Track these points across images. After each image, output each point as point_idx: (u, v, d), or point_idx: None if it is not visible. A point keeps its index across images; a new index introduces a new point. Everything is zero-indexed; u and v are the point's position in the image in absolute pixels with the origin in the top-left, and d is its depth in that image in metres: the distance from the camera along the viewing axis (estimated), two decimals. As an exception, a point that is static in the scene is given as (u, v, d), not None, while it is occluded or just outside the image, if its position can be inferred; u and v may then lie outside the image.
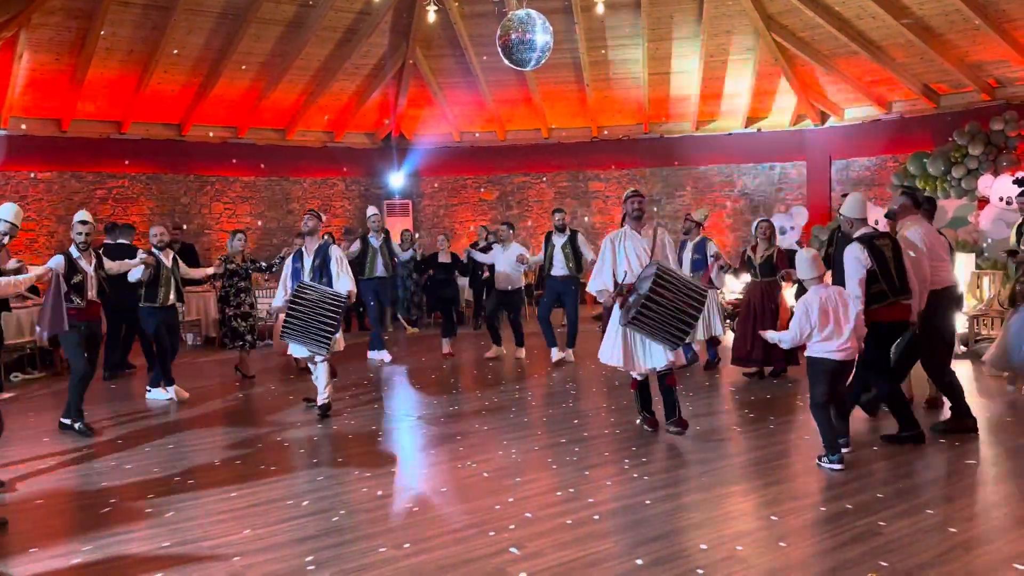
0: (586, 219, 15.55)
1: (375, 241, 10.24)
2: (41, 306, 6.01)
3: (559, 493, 4.81)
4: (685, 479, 5.07)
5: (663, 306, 5.59)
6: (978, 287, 11.78)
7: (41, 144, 12.43)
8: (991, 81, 12.49)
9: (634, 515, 4.43)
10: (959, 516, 4.29)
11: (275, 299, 7.57)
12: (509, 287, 9.74)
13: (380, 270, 10.24)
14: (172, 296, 7.98)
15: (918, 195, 6.50)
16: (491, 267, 10.43)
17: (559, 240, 9.49)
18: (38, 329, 5.94)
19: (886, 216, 6.45)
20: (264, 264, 9.26)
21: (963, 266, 11.84)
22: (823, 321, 5.10)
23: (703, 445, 5.85)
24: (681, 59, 13.74)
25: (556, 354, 9.42)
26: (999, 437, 5.88)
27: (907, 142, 13.51)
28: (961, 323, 10.03)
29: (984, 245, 12.04)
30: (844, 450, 5.32)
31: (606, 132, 15.56)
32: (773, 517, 4.32)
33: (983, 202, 12.29)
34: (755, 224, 8.43)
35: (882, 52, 12.50)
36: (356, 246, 10.22)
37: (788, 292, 8.76)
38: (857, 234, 5.63)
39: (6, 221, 6.09)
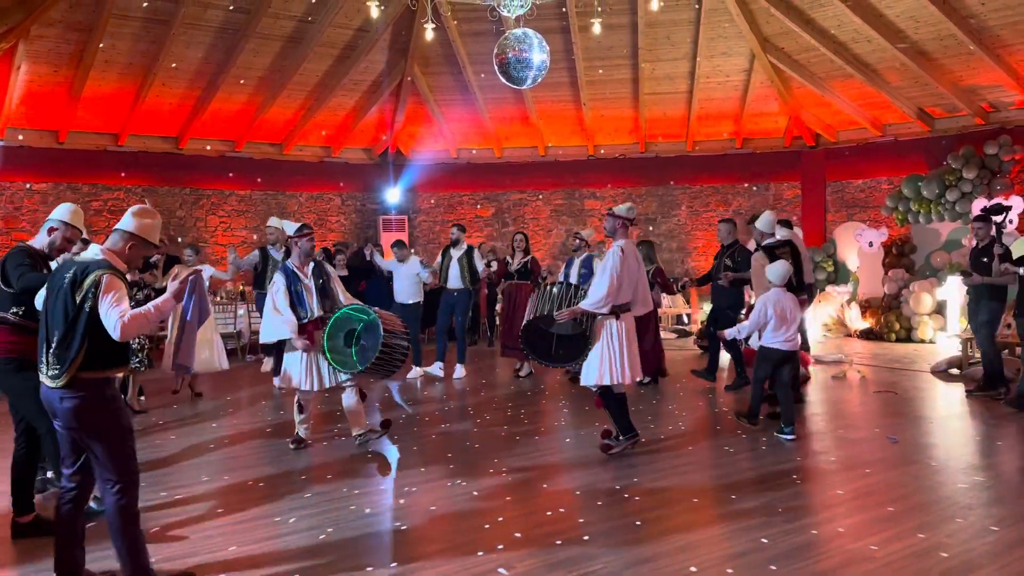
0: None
1: (275, 254, 9.78)
2: (178, 332, 4.46)
3: (549, 513, 4.78)
4: (676, 500, 5.04)
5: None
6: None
7: (38, 155, 12.43)
8: (985, 105, 12.57)
9: (624, 536, 4.40)
10: (951, 540, 4.26)
11: (279, 331, 6.34)
12: (409, 301, 9.81)
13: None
14: None
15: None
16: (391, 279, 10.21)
17: (456, 253, 9.74)
18: (173, 364, 4.66)
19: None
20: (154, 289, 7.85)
21: (956, 289, 11.89)
22: (777, 317, 6.44)
23: (694, 466, 5.83)
24: (677, 79, 13.82)
25: (437, 369, 9.79)
26: (990, 461, 5.87)
27: (902, 165, 13.59)
28: (955, 346, 10.06)
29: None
30: (789, 438, 6.40)
31: (602, 151, 15.62)
32: (764, 540, 4.29)
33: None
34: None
35: (877, 75, 12.59)
36: (255, 256, 10.00)
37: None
38: (764, 243, 7.40)
39: (60, 221, 4.65)
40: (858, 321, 12.92)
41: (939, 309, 12.02)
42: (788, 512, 4.78)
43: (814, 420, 7.38)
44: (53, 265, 4.73)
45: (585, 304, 5.95)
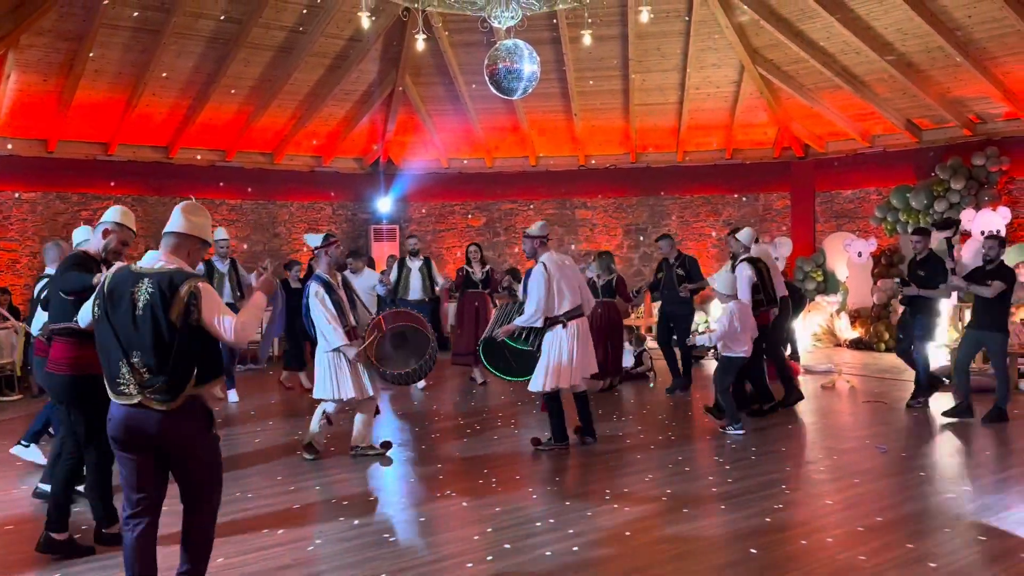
0: (573, 247, 15.58)
1: (221, 266, 9.53)
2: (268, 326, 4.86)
3: (539, 524, 4.77)
4: (666, 510, 5.04)
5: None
6: (960, 320, 11.86)
7: (27, 164, 12.37)
8: (972, 117, 12.67)
9: (615, 547, 4.39)
10: (939, 550, 4.27)
11: (338, 338, 6.10)
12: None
13: (227, 295, 9.30)
14: None
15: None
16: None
17: (415, 264, 9.74)
18: (262, 348, 4.86)
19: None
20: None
21: (945, 299, 11.93)
22: (743, 328, 6.99)
23: (684, 476, 5.83)
24: (667, 90, 13.88)
25: None
26: (978, 471, 5.89)
27: (890, 175, 13.67)
28: (943, 356, 10.10)
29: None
30: (739, 432, 6.94)
31: (593, 161, 15.66)
32: (753, 550, 4.30)
33: (965, 236, 12.41)
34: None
35: (865, 87, 12.67)
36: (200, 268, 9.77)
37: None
38: (742, 257, 7.78)
39: (114, 223, 4.54)
40: (847, 331, 12.96)
41: (928, 319, 12.07)
42: (778, 522, 4.79)
43: (803, 430, 7.40)
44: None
45: (519, 321, 6.33)
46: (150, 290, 3.26)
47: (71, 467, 4.52)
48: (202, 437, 3.41)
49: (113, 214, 4.55)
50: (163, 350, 3.25)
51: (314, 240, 6.42)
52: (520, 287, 9.36)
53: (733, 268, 7.82)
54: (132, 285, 3.30)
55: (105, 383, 3.38)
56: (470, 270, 10.00)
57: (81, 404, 4.36)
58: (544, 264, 6.36)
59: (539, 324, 6.30)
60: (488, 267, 10.13)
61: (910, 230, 12.66)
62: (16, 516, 5.05)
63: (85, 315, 3.71)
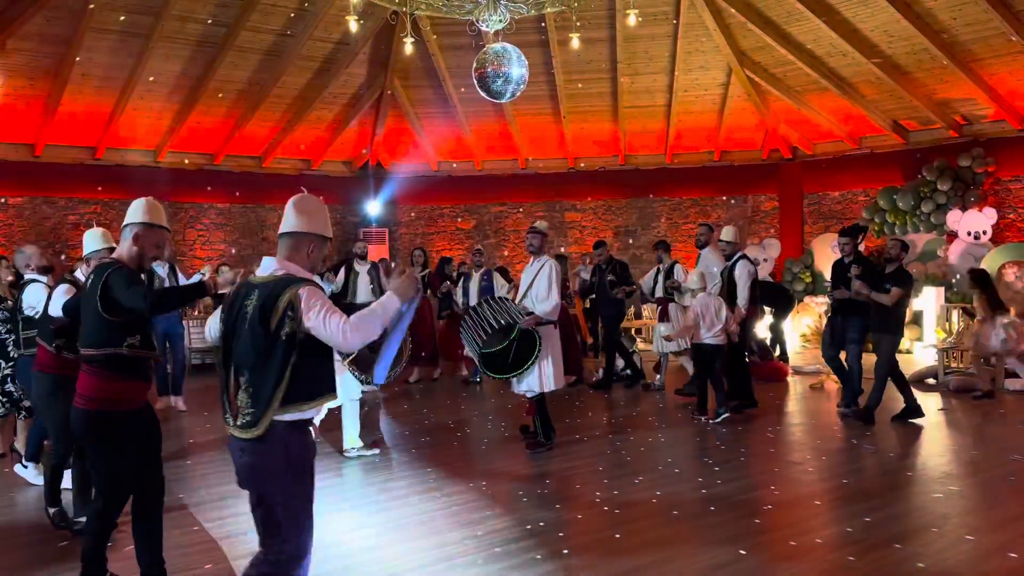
0: (562, 249, 15.59)
1: (159, 270, 9.05)
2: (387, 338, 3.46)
3: (529, 527, 4.77)
4: (655, 512, 5.04)
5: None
6: (947, 320, 11.93)
7: (14, 169, 12.31)
8: (958, 118, 12.76)
9: (605, 549, 4.39)
10: (927, 550, 4.29)
11: None
12: None
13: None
14: None
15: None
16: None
17: (362, 268, 9.80)
18: (378, 372, 3.63)
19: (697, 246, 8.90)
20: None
21: (932, 299, 12.02)
22: (705, 318, 7.58)
23: (672, 478, 5.83)
24: (655, 93, 13.93)
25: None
26: (966, 470, 5.92)
27: (877, 177, 13.76)
28: (931, 356, 10.16)
29: (953, 279, 12.22)
30: (724, 415, 7.43)
31: (582, 163, 15.69)
32: (742, 551, 4.31)
33: (951, 236, 12.50)
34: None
35: (852, 89, 12.75)
36: None
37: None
38: (739, 253, 8.10)
39: (140, 224, 3.80)
40: (836, 332, 12.98)
41: (915, 319, 12.13)
42: (766, 523, 4.80)
43: (792, 430, 7.42)
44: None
45: (541, 311, 6.42)
46: (255, 303, 2.91)
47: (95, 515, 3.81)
48: (279, 475, 2.92)
49: (138, 213, 3.80)
50: (258, 369, 2.88)
51: None
52: (460, 291, 9.89)
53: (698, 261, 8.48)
54: (244, 298, 2.97)
55: None
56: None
57: (103, 443, 3.66)
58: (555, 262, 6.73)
59: (554, 318, 6.50)
60: (427, 271, 10.40)
61: (897, 231, 12.78)
62: (2, 524, 5.01)
63: (213, 327, 3.20)
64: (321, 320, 2.82)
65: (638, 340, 11.97)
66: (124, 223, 3.83)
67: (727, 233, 8.23)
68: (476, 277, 9.87)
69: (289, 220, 3.08)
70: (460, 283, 10.09)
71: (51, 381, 4.84)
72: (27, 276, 5.76)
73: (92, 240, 4.73)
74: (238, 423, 2.91)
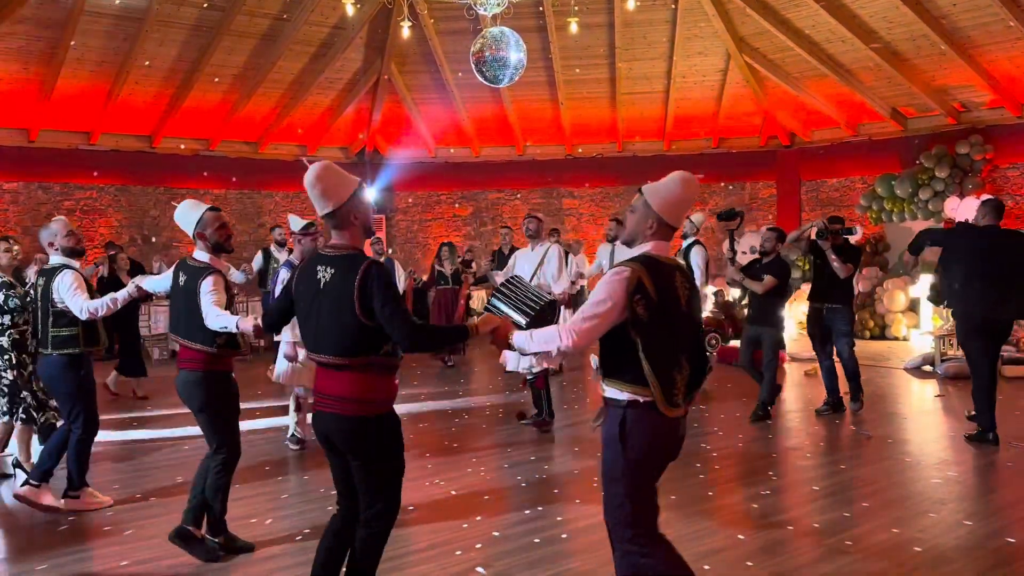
0: (560, 236, 15.58)
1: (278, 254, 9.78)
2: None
3: (527, 511, 4.77)
4: (654, 497, 5.05)
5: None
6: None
7: (8, 154, 12.23)
8: (957, 105, 12.73)
9: (602, 533, 4.39)
10: (924, 535, 4.31)
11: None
12: None
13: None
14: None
15: None
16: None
17: (281, 255, 9.79)
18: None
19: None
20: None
21: (929, 287, 12.00)
22: None
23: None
24: (653, 79, 13.87)
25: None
26: (962, 456, 5.94)
27: (875, 164, 13.73)
28: (927, 343, 10.17)
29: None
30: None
31: (580, 150, 15.65)
32: (740, 536, 4.32)
33: (949, 224, 12.49)
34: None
35: (851, 75, 12.70)
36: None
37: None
38: (693, 239, 7.85)
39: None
40: (833, 319, 13.00)
41: (912, 307, 12.16)
42: (764, 508, 4.82)
43: (789, 417, 7.44)
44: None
45: (558, 291, 6.72)
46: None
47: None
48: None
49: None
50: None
51: (296, 223, 6.35)
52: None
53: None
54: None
55: None
56: (440, 268, 10.76)
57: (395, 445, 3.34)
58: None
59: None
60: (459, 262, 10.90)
61: (895, 218, 12.77)
62: (2, 508, 4.99)
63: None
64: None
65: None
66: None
67: (697, 219, 8.15)
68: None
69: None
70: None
71: (215, 379, 4.44)
72: (53, 260, 4.89)
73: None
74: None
